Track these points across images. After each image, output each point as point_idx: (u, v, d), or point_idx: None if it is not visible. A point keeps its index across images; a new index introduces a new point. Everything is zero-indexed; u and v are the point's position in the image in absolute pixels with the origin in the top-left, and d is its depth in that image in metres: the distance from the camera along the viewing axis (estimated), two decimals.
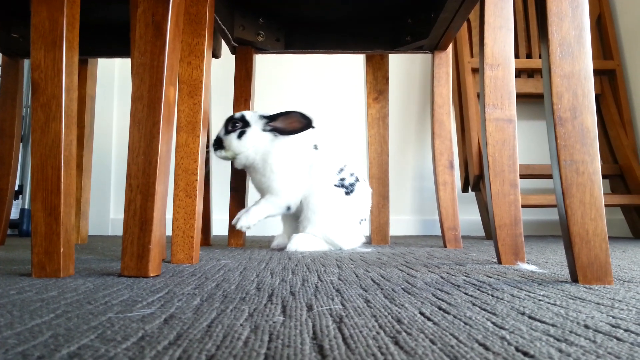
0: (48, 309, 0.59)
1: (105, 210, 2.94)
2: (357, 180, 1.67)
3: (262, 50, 1.98)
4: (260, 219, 1.61)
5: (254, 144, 1.63)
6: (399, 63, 3.13)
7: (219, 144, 1.65)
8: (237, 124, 1.63)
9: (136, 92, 0.92)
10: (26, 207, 2.41)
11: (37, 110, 0.90)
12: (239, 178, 1.86)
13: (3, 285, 0.79)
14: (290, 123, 1.62)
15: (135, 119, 0.92)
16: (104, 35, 1.99)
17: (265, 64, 3.03)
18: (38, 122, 0.90)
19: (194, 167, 1.18)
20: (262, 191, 1.67)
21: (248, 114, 1.66)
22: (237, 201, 1.85)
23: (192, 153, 1.18)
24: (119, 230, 2.90)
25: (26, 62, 2.44)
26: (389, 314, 0.59)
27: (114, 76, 3.02)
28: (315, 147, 1.66)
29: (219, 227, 2.71)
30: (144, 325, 0.51)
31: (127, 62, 2.92)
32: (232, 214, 1.80)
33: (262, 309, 0.61)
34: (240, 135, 1.63)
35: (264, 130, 1.64)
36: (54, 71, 0.91)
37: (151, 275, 0.91)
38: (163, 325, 0.51)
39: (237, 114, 1.66)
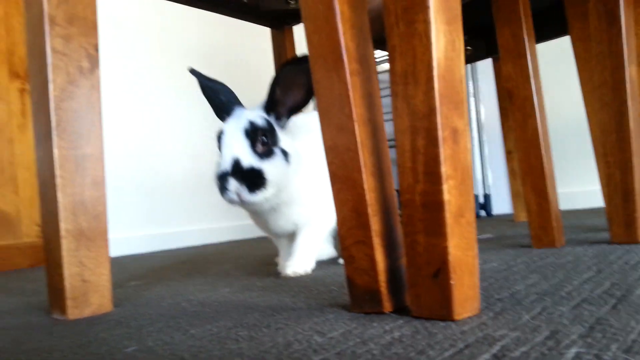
0: (592, 269, 0.76)
1: None
2: None
3: None
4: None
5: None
6: None
7: (255, 181, 0.92)
8: (265, 135, 0.95)
9: (599, 78, 1.02)
10: (487, 192, 2.84)
11: (515, 112, 1.11)
12: None
13: (525, 254, 1.02)
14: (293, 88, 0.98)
15: (602, 102, 1.02)
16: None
17: None
18: (517, 122, 1.11)
19: None
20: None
21: (253, 112, 0.98)
22: None
23: None
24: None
25: None
26: None
27: None
28: None
29: None
30: None
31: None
32: None
33: None
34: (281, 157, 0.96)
35: (283, 128, 1.01)
36: (522, 78, 1.10)
37: None
38: None
39: (251, 116, 0.96)
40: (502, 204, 2.88)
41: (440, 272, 0.52)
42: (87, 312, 0.78)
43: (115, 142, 2.29)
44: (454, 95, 0.54)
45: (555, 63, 2.27)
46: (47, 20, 0.76)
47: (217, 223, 2.72)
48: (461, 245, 0.53)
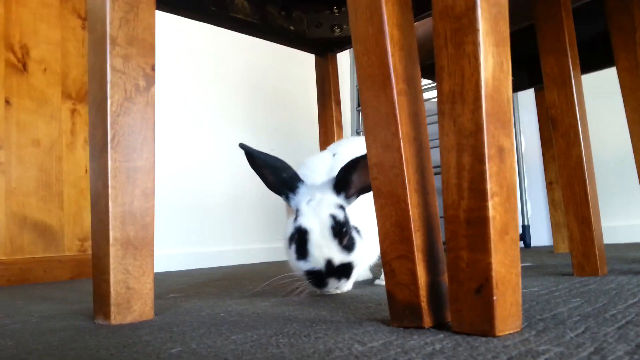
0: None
1: None
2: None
3: None
4: None
5: None
6: None
7: (348, 273, 0.97)
8: (346, 228, 0.97)
9: None
10: (526, 223, 2.77)
11: (559, 140, 1.11)
12: None
13: (566, 280, 1.01)
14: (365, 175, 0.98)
15: None
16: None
17: None
18: (561, 149, 1.10)
19: None
20: None
21: (327, 198, 0.99)
22: None
23: None
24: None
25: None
26: None
27: None
28: None
29: None
30: None
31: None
32: None
33: None
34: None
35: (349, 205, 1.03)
36: (567, 105, 1.10)
37: None
38: None
39: (329, 209, 0.97)
40: (540, 236, 2.83)
41: (483, 287, 0.53)
42: (129, 318, 0.80)
43: (158, 161, 2.36)
44: (501, 114, 0.55)
45: (600, 95, 2.24)
46: (108, 41, 0.81)
47: (251, 244, 2.74)
48: (505, 262, 0.54)
